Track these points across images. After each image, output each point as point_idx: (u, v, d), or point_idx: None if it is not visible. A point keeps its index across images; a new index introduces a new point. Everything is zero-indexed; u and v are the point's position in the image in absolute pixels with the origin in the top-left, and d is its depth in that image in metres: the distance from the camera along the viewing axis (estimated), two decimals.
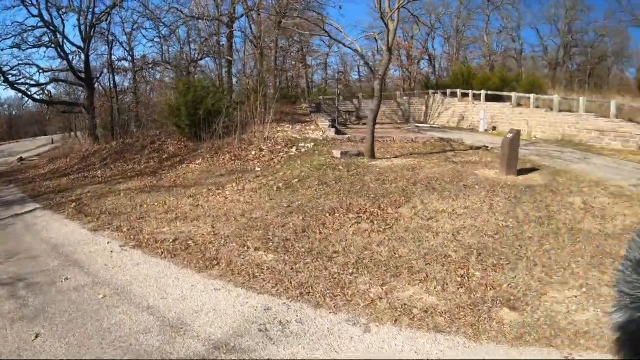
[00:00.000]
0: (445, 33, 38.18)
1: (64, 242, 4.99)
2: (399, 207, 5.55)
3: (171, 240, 4.67)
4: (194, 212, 5.78)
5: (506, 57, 36.28)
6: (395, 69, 39.58)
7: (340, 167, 7.60)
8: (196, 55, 18.53)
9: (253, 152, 9.26)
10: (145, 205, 6.44)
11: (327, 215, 5.27)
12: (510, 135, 7.34)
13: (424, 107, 25.15)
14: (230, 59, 16.19)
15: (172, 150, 11.30)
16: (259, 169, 8.05)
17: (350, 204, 5.69)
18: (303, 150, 9.39)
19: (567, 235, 4.71)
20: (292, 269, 3.93)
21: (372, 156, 8.39)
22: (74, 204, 7.20)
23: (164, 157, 10.89)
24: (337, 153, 8.50)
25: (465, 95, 22.37)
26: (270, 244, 4.46)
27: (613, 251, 4.34)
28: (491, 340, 2.90)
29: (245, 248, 4.40)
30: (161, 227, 5.18)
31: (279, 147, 9.63)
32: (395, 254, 4.25)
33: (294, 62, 31.14)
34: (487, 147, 10.84)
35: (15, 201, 8.01)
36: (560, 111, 16.05)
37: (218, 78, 16.48)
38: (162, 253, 4.40)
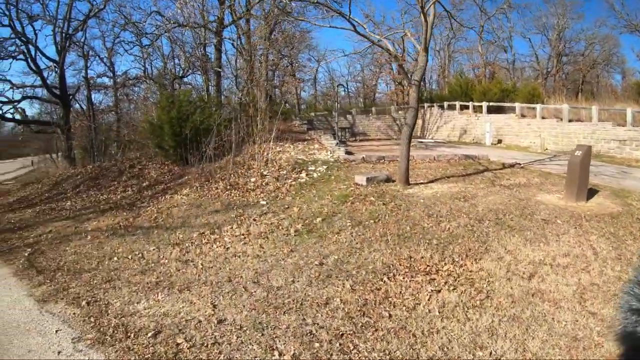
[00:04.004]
0: (435, 45, 38.12)
1: None
2: (479, 260, 4.09)
3: (150, 335, 3.07)
4: (183, 274, 4.20)
5: (498, 68, 36.08)
6: (387, 82, 38.90)
7: (372, 199, 6.00)
8: (181, 71, 17.17)
9: (253, 179, 7.46)
10: (115, 258, 4.98)
11: (385, 279, 3.71)
12: (579, 153, 6.04)
13: (420, 121, 24.21)
14: (219, 69, 14.81)
15: (154, 176, 9.62)
16: (264, 202, 6.27)
17: (409, 257, 4.17)
18: (315, 175, 7.65)
19: None
20: None
21: (406, 182, 6.79)
22: (29, 249, 5.75)
23: (144, 184, 9.23)
24: (360, 179, 6.83)
25: (464, 107, 21.55)
26: (317, 345, 2.74)
27: None
28: None
29: (276, 356, 2.68)
30: (135, 302, 3.67)
31: (284, 172, 7.83)
32: (525, 353, 2.71)
33: (283, 77, 29.85)
34: (519, 164, 9.48)
35: None
36: (569, 121, 15.15)
37: (205, 92, 15.18)
38: None
